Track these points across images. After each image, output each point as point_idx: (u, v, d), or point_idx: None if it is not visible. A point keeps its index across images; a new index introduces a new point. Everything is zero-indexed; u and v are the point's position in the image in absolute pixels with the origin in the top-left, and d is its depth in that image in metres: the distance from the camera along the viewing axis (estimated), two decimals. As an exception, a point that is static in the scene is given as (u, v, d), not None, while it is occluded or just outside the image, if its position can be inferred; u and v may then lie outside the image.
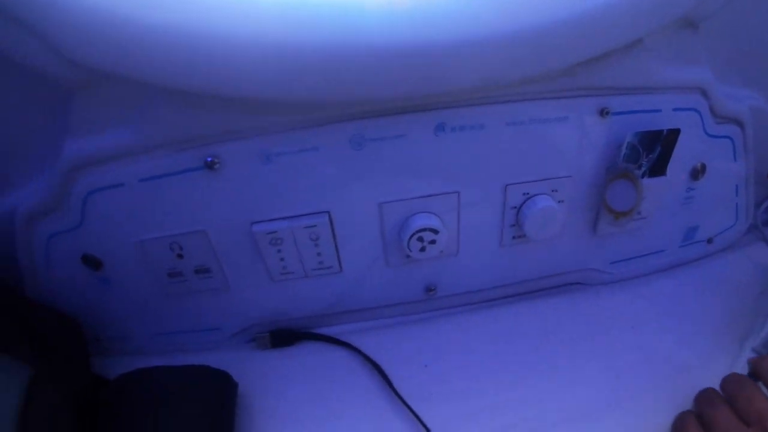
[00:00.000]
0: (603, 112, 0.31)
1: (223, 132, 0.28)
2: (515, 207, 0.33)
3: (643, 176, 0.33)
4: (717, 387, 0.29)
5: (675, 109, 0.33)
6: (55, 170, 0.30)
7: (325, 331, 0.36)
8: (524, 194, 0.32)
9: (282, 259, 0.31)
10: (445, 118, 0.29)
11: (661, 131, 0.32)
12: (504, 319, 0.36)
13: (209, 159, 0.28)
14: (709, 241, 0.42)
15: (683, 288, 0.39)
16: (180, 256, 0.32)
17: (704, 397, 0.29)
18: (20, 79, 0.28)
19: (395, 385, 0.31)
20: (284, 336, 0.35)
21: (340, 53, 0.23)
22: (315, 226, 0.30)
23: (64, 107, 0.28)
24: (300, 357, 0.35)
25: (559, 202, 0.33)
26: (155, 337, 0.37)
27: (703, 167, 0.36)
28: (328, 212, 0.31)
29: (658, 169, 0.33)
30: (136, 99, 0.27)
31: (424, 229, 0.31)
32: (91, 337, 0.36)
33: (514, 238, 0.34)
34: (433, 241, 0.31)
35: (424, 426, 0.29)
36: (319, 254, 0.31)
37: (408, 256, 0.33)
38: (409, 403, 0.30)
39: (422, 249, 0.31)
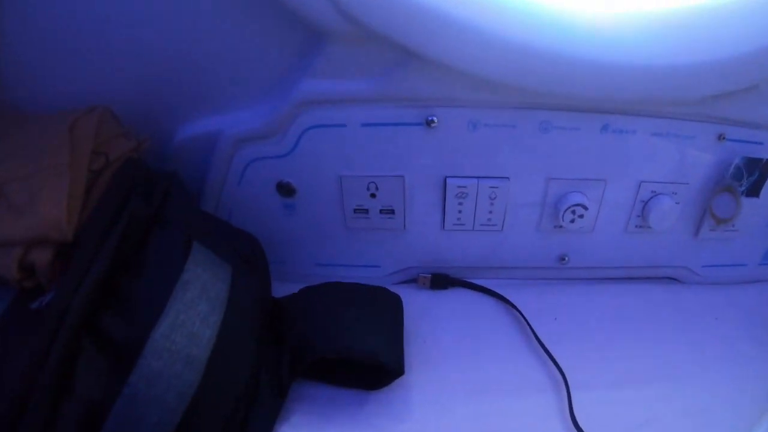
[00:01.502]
0: (720, 137, 0.38)
1: (445, 98, 0.33)
2: (644, 201, 0.39)
3: (742, 194, 0.40)
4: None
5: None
6: (285, 102, 0.34)
7: (473, 281, 0.41)
8: (652, 192, 0.39)
9: (459, 212, 0.37)
10: (609, 120, 0.35)
11: (761, 159, 0.39)
12: (617, 295, 0.42)
13: (430, 118, 0.34)
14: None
15: (760, 298, 0.45)
16: (373, 195, 0.36)
17: None
18: (276, 16, 0.31)
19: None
20: (443, 280, 0.40)
21: (561, 59, 0.30)
22: (497, 187, 0.36)
23: (309, 50, 0.33)
24: (454, 300, 0.40)
25: (676, 203, 0.39)
26: (316, 267, 0.41)
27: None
28: (508, 178, 0.36)
29: (754, 190, 0.40)
30: (383, 58, 0.32)
31: (578, 205, 0.37)
32: None
33: (636, 226, 0.41)
34: (581, 216, 0.37)
35: (557, 365, 0.34)
36: (490, 212, 0.37)
37: (557, 226, 0.38)
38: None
39: (572, 221, 0.37)
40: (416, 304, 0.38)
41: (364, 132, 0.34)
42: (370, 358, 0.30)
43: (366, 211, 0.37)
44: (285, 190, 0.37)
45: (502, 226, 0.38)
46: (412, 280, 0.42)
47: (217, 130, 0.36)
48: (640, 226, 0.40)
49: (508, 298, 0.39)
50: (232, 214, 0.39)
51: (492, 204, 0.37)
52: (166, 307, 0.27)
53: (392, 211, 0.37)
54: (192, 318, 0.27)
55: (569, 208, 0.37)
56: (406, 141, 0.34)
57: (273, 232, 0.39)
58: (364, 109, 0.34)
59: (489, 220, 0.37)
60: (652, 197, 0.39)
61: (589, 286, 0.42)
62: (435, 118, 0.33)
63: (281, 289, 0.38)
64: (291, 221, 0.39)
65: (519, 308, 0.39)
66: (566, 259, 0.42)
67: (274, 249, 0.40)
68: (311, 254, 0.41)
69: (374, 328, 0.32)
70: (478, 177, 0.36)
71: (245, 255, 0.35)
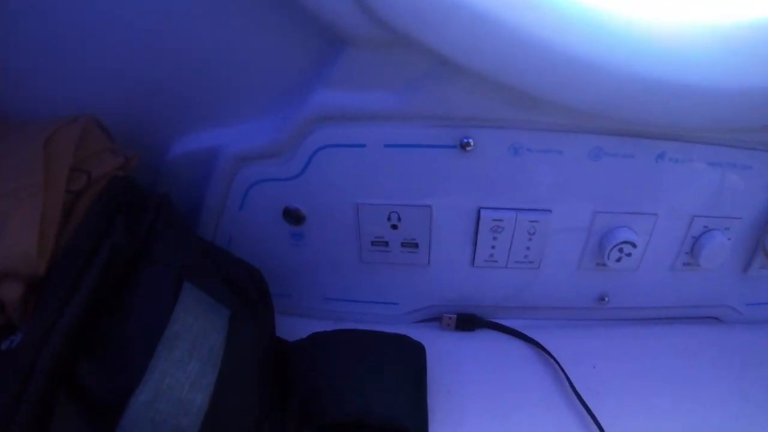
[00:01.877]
0: (780, 168, 0.35)
1: (484, 117, 0.29)
2: (695, 237, 0.34)
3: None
4: None
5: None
6: (295, 116, 0.30)
7: (502, 322, 0.36)
8: (704, 227, 0.34)
9: (493, 247, 0.32)
10: (667, 148, 0.31)
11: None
12: (658, 337, 0.38)
13: (465, 140, 0.29)
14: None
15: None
16: (394, 226, 0.32)
17: None
18: (289, 16, 0.26)
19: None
20: (470, 321, 0.36)
21: (625, 76, 0.25)
22: (537, 221, 0.31)
23: (326, 56, 0.28)
24: (481, 343, 0.35)
25: (728, 239, 0.35)
26: (326, 302, 0.37)
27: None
28: (550, 211, 0.31)
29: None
30: (412, 67, 0.27)
31: (626, 242, 0.32)
32: None
33: (684, 264, 0.36)
34: (629, 254, 0.33)
35: (596, 420, 0.29)
36: (527, 248, 0.32)
37: (600, 264, 0.34)
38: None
39: (618, 259, 0.33)
40: (440, 347, 0.33)
41: (386, 154, 0.29)
42: (391, 423, 0.26)
43: (385, 243, 0.32)
44: (293, 217, 0.32)
45: (540, 264, 0.34)
46: (435, 319, 0.37)
47: (217, 145, 0.31)
48: (688, 264, 0.36)
49: (541, 342, 0.35)
50: (233, 242, 0.34)
51: (530, 239, 0.32)
52: (149, 367, 0.22)
53: (415, 245, 0.32)
54: (180, 381, 0.23)
55: (617, 245, 0.32)
56: (436, 166, 0.30)
57: (278, 262, 0.35)
58: (388, 127, 0.29)
59: (525, 256, 0.33)
60: (704, 233, 0.34)
61: (629, 328, 0.38)
62: (471, 141, 0.29)
63: (286, 324, 0.33)
64: (298, 252, 0.34)
65: (553, 354, 0.34)
66: (606, 299, 0.37)
67: (279, 280, 0.35)
68: (321, 288, 0.36)
69: (395, 386, 0.28)
70: (516, 209, 0.31)
71: (246, 293, 0.31)
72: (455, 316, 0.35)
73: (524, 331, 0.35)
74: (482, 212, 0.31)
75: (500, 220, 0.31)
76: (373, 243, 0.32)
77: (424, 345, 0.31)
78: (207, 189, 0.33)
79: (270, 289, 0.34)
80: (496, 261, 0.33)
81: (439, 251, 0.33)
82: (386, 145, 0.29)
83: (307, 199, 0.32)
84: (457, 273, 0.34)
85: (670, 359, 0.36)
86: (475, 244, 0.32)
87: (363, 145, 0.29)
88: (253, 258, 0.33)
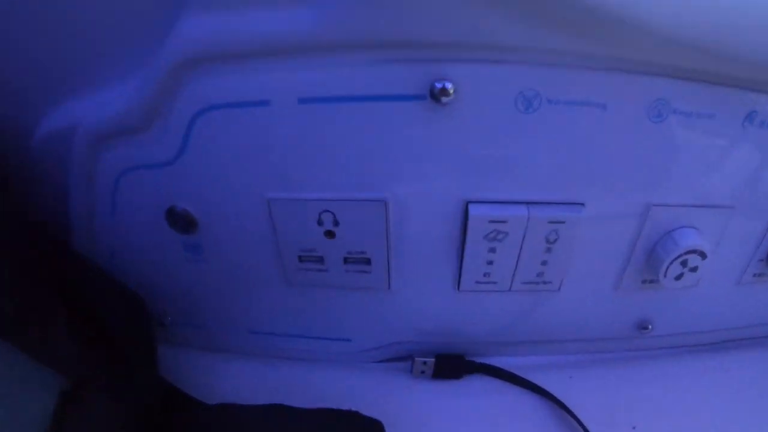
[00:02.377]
0: None
1: (469, 45, 0.16)
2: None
3: None
4: None
5: None
6: (157, 65, 0.18)
7: (497, 361, 0.24)
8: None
9: (490, 263, 0.20)
10: (759, 105, 0.18)
11: None
12: (716, 369, 0.27)
13: (440, 85, 0.16)
14: None
15: None
16: (330, 233, 0.20)
17: None
18: None
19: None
20: (455, 364, 0.24)
21: None
22: (562, 222, 0.19)
23: None
24: (470, 396, 0.24)
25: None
26: (250, 336, 0.25)
27: None
28: (582, 204, 0.19)
29: None
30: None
31: (694, 251, 0.20)
32: (156, 320, 0.25)
33: (755, 275, 0.25)
34: (694, 269, 0.21)
35: None
36: (544, 263, 0.20)
37: (649, 281, 0.22)
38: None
39: (679, 276, 0.21)
40: (410, 405, 0.23)
41: (306, 115, 0.17)
42: None
43: (320, 259, 0.20)
44: (180, 222, 0.20)
45: (560, 285, 0.22)
46: (405, 358, 0.25)
47: (72, 123, 0.20)
48: (760, 275, 0.24)
49: (555, 394, 0.23)
50: (115, 258, 0.23)
51: (550, 249, 0.20)
52: None
53: (366, 260, 0.20)
54: None
55: (679, 257, 0.20)
56: (390, 132, 0.18)
57: (177, 284, 0.23)
58: (304, 68, 0.17)
59: (541, 274, 0.21)
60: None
61: (677, 360, 0.27)
62: (450, 86, 0.16)
63: (200, 363, 0.23)
64: (199, 270, 0.22)
65: (573, 411, 0.23)
66: (650, 327, 0.25)
67: (183, 308, 0.24)
68: (241, 318, 0.25)
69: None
70: (528, 202, 0.19)
71: (112, 341, 0.20)
72: (432, 359, 0.23)
73: (531, 376, 0.24)
74: (471, 209, 0.19)
75: (502, 222, 0.18)
76: (301, 258, 0.21)
77: (381, 423, 0.20)
78: (69, 186, 0.21)
79: (160, 317, 0.23)
80: (495, 282, 0.21)
81: (404, 269, 0.21)
82: (303, 100, 0.17)
83: (196, 195, 0.20)
84: (434, 300, 0.22)
85: (732, 396, 0.25)
86: (461, 258, 0.20)
87: (266, 102, 0.17)
88: (144, 280, 0.22)
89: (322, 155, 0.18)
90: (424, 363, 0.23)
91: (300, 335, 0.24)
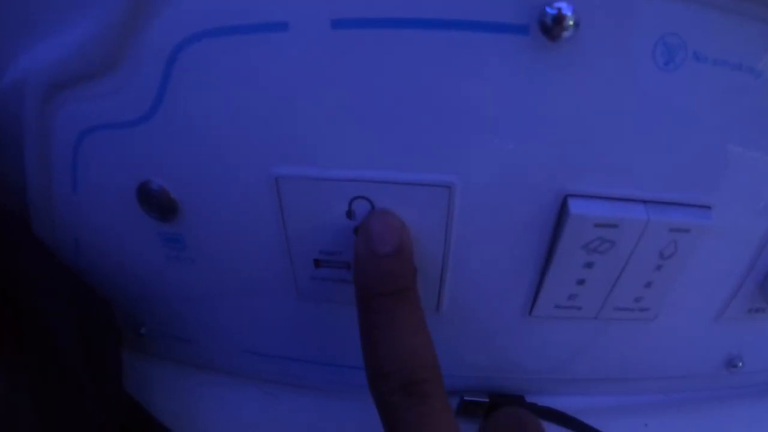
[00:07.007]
0: None
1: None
2: None
3: None
4: None
5: None
6: None
7: (560, 401, 0.17)
8: None
9: (581, 281, 0.13)
10: None
11: None
12: None
13: (553, 11, 0.09)
14: None
15: None
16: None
17: None
18: None
19: None
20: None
21: None
22: (685, 230, 0.12)
23: None
24: None
25: None
26: (245, 355, 0.18)
27: None
28: (708, 207, 0.12)
29: None
30: None
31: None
32: (128, 328, 0.18)
33: None
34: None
35: None
36: (648, 284, 0.13)
37: (754, 310, 0.15)
38: None
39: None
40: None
41: (341, 47, 0.10)
42: None
43: (344, 265, 0.13)
44: (155, 203, 0.13)
45: (658, 312, 0.15)
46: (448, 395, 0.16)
47: (22, 73, 0.13)
48: None
49: None
50: (80, 248, 0.16)
51: (660, 267, 0.13)
52: None
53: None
54: None
55: None
56: (472, 81, 0.10)
57: (153, 285, 0.16)
58: None
59: (639, 299, 0.14)
60: None
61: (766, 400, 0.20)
62: (570, 13, 0.09)
63: (187, 381, 0.17)
64: (181, 269, 0.15)
65: None
66: (740, 363, 0.19)
67: (160, 314, 0.17)
68: (232, 333, 0.17)
69: None
70: (645, 200, 0.12)
71: (64, 346, 0.13)
72: (486, 399, 0.17)
73: (601, 423, 0.16)
74: (572, 205, 0.12)
75: (611, 226, 0.12)
76: (318, 263, 0.14)
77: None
78: (24, 154, 0.14)
79: (133, 325, 0.16)
80: (579, 308, 0.14)
81: (462, 285, 0.14)
82: (338, 23, 0.10)
83: (176, 168, 0.13)
84: (496, 326, 0.15)
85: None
86: (543, 273, 0.13)
87: (282, 26, 0.10)
88: (114, 278, 0.15)
89: (362, 112, 0.11)
90: (475, 403, 0.16)
91: (311, 360, 0.17)
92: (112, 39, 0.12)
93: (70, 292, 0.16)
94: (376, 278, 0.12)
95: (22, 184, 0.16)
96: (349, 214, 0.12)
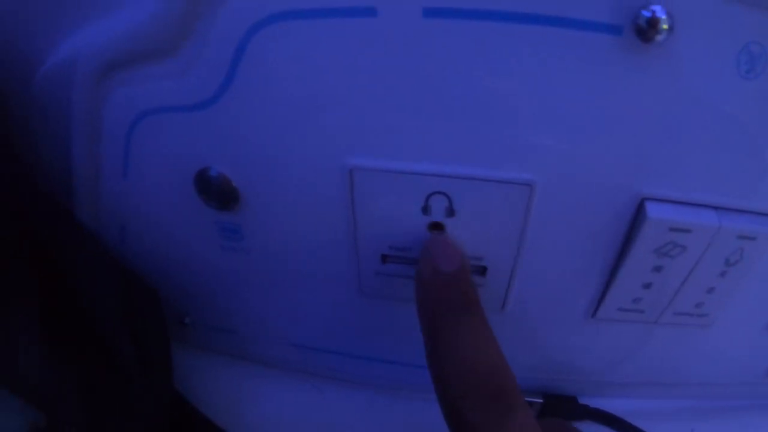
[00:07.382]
0: None
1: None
2: None
3: None
4: None
5: None
6: None
7: (610, 404, 0.17)
8: None
9: (647, 285, 0.13)
10: None
11: None
12: None
13: (648, 14, 0.09)
14: None
15: None
16: (438, 226, 0.12)
17: None
18: None
19: None
20: (565, 408, 0.17)
21: None
22: (753, 239, 0.12)
23: None
24: None
25: None
26: (298, 351, 0.17)
27: None
28: None
29: None
30: None
31: None
32: (171, 318, 0.17)
33: None
34: None
35: None
36: (710, 290, 0.13)
37: None
38: None
39: None
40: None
41: (431, 36, 0.10)
42: None
43: (412, 262, 0.13)
44: (214, 191, 0.13)
45: (714, 319, 0.15)
46: None
47: (72, 53, 0.12)
48: None
49: None
50: (126, 235, 0.15)
51: (724, 274, 0.13)
52: None
53: (480, 269, 0.13)
54: None
55: None
56: (563, 78, 0.10)
57: (204, 276, 0.16)
58: None
59: (700, 305, 0.14)
60: None
61: None
62: (664, 16, 0.09)
63: (227, 373, 0.16)
64: (236, 260, 0.15)
65: None
66: None
67: (207, 305, 0.16)
68: (283, 327, 0.17)
69: None
70: (717, 207, 0.12)
71: (110, 342, 0.12)
72: (540, 400, 0.17)
73: (650, 426, 0.16)
74: (650, 209, 0.12)
75: (684, 231, 0.12)
76: (385, 258, 0.13)
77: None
78: (71, 137, 0.13)
79: (179, 315, 0.16)
80: (642, 311, 0.14)
81: (528, 285, 0.14)
82: (430, 12, 0.10)
83: (240, 155, 0.12)
84: (557, 327, 0.15)
85: None
86: (612, 275, 0.13)
87: (369, 11, 0.10)
88: (161, 267, 0.15)
89: (446, 105, 0.11)
90: (530, 404, 0.16)
91: (359, 356, 0.17)
92: (178, 18, 0.11)
93: (115, 279, 0.15)
94: (447, 296, 0.11)
95: (67, 168, 0.16)
96: (426, 209, 0.12)
